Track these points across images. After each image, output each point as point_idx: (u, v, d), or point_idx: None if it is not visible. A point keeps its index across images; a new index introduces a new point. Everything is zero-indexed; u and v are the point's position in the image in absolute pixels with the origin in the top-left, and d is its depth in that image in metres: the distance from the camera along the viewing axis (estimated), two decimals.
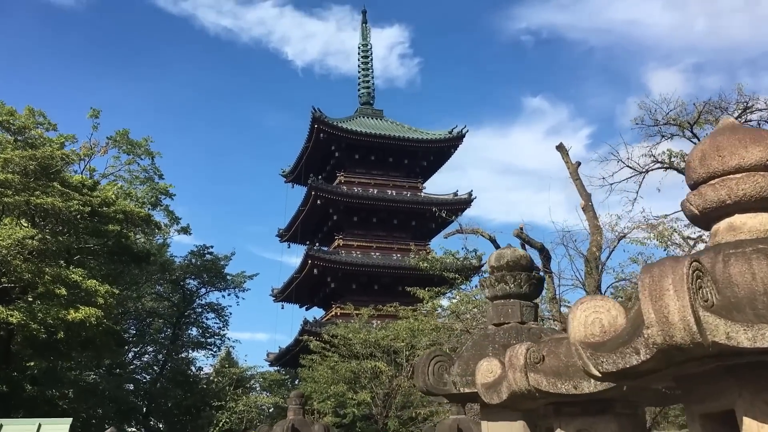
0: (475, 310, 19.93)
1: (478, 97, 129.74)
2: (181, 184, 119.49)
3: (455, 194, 42.71)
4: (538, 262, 18.52)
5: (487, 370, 3.60)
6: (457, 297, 19.87)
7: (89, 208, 16.22)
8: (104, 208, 17.04)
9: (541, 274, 17.26)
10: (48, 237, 15.82)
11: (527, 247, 17.54)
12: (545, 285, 18.96)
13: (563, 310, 19.43)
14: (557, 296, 17.01)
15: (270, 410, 29.07)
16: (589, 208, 17.21)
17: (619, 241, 16.84)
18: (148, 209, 27.86)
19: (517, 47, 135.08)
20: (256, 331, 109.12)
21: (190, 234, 32.67)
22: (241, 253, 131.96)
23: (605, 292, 16.73)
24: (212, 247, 34.16)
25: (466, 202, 40.75)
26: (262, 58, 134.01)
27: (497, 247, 20.93)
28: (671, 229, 18.49)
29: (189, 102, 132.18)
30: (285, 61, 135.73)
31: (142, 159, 29.60)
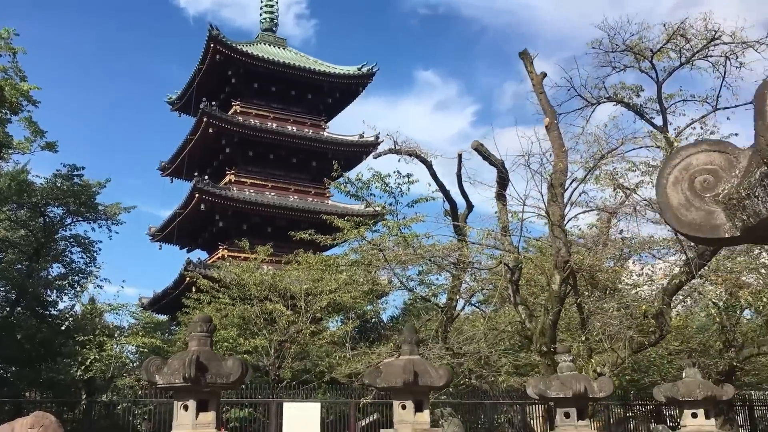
0: (398, 247, 17.03)
1: (372, 65, 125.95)
2: (54, 124, 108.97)
3: (361, 136, 39.71)
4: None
5: None
6: (387, 226, 16.93)
7: None
8: None
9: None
10: None
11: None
12: (497, 213, 16.47)
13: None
14: (521, 222, 14.42)
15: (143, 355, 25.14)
16: (553, 127, 14.70)
17: (588, 173, 14.44)
18: (5, 115, 22.91)
19: (413, 19, 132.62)
20: (127, 284, 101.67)
21: (56, 151, 27.53)
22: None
23: (568, 222, 14.42)
24: (83, 168, 29.08)
25: (373, 144, 37.77)
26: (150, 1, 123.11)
27: (433, 173, 18.13)
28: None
29: (66, 41, 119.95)
30: (176, 8, 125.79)
31: (0, 56, 24.27)
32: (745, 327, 19.16)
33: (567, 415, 10.64)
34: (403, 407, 9.59)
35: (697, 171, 2.04)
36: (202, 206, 34.90)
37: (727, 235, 1.97)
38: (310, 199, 39.36)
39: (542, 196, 13.90)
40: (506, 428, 18.98)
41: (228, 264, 28.06)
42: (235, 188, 37.61)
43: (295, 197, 39.02)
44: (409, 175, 16.93)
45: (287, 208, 36.75)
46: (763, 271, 17.95)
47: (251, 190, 38.06)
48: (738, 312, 18.12)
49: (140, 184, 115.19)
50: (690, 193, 2.03)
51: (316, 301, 23.57)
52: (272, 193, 38.55)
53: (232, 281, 24.22)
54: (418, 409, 9.59)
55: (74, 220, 30.85)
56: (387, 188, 16.96)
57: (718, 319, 17.88)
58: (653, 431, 16.75)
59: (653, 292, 16.18)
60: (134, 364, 23.20)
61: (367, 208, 32.81)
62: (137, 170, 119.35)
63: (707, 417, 11.75)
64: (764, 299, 13.98)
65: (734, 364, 17.08)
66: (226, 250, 35.93)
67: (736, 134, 18.41)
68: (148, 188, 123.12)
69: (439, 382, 9.61)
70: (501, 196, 14.90)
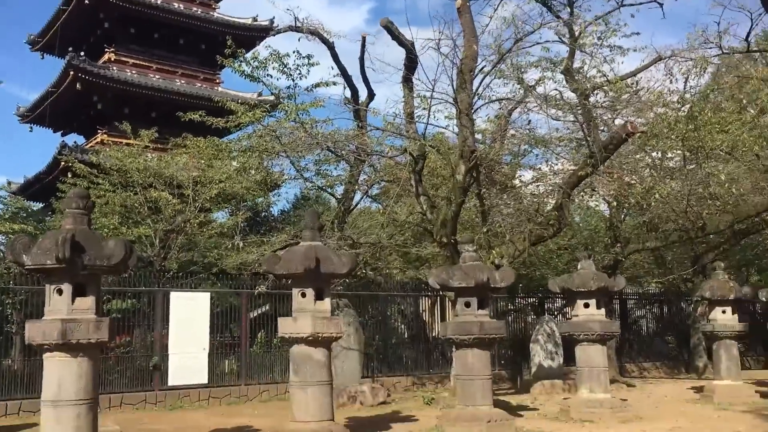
0: (296, 133, 16.04)
1: None
2: None
3: (254, 19, 37.32)
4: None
5: None
6: (284, 110, 15.88)
7: None
8: None
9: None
10: None
11: None
12: (403, 98, 15.76)
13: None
14: (428, 109, 13.78)
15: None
16: (466, 10, 13.93)
17: (498, 62, 13.88)
18: None
19: None
20: None
21: None
22: None
23: (479, 110, 13.99)
24: None
25: (266, 29, 35.55)
26: None
27: (335, 56, 17.09)
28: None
29: None
30: None
31: None
32: (629, 224, 19.91)
33: (468, 305, 10.53)
34: (303, 295, 9.10)
35: None
36: (78, 86, 31.98)
37: None
38: (199, 85, 37.05)
39: (452, 82, 13.30)
40: (398, 319, 19.14)
41: (108, 149, 26.06)
42: (115, 68, 34.65)
43: (182, 81, 36.57)
44: (309, 57, 15.82)
45: (174, 93, 34.37)
46: (647, 171, 18.53)
47: (133, 71, 35.24)
48: (625, 209, 18.73)
49: (7, 60, 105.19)
50: None
51: (206, 191, 22.42)
52: (157, 76, 35.89)
53: (113, 167, 22.51)
54: (319, 297, 9.13)
55: None
56: (285, 69, 15.81)
57: (607, 215, 18.39)
58: (540, 322, 17.33)
59: (550, 188, 16.31)
60: (3, 254, 21.40)
61: (260, 97, 31.35)
62: (2, 45, 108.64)
63: (598, 307, 12.08)
64: (657, 195, 14.32)
65: (619, 258, 17.76)
66: (105, 135, 33.48)
67: (638, 33, 18.43)
68: (15, 65, 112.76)
69: (343, 269, 9.14)
70: (408, 80, 14.18)
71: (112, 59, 35.20)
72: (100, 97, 33.46)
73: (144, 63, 36.06)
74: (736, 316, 14.23)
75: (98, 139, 34.05)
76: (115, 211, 22.26)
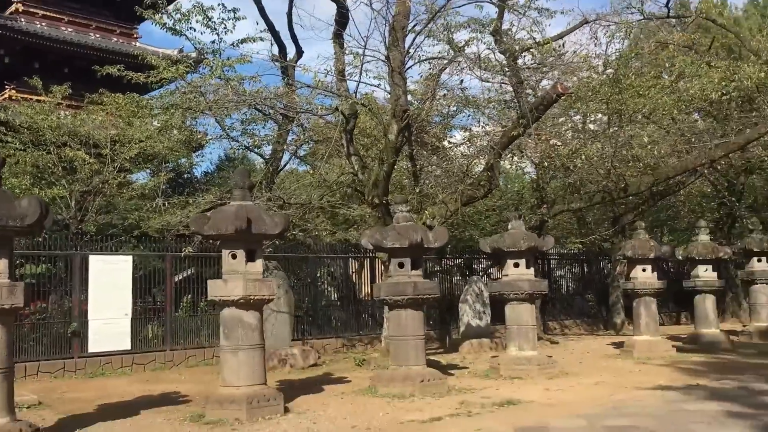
0: (227, 89, 15.40)
1: None
2: None
3: None
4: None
5: None
6: (210, 66, 15.20)
7: None
8: None
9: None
10: None
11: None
12: (334, 55, 15.34)
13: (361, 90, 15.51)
14: (360, 66, 13.41)
15: None
16: None
17: (430, 20, 13.61)
18: None
19: None
20: None
21: None
22: None
23: (408, 70, 13.74)
24: None
25: None
26: None
27: (261, 10, 16.46)
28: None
29: None
30: None
31: None
32: (554, 185, 20.25)
33: (401, 265, 10.47)
34: (234, 256, 8.78)
35: None
36: None
37: None
38: (115, 39, 35.21)
39: (384, 39, 13.01)
40: (327, 281, 18.99)
41: (17, 105, 24.52)
42: (23, 19, 32.46)
43: (97, 35, 34.64)
44: (235, 10, 15.14)
45: (88, 47, 32.50)
46: (570, 134, 18.86)
47: (43, 24, 33.12)
48: (551, 171, 19.04)
49: None
50: None
51: (125, 150, 21.46)
52: (69, 29, 33.86)
53: (23, 124, 21.22)
54: (250, 258, 8.84)
55: None
56: (210, 23, 15.10)
57: (531, 178, 18.61)
58: (469, 282, 17.52)
59: (480, 149, 16.36)
60: None
61: (182, 53, 30.06)
62: None
63: (527, 266, 12.24)
64: (582, 157, 14.56)
65: (545, 219, 18.07)
66: (14, 90, 31.46)
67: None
68: None
69: (275, 230, 8.86)
70: (339, 37, 13.80)
71: (20, 10, 32.98)
72: (8, 50, 31.38)
73: (55, 15, 33.94)
74: (655, 274, 14.75)
75: (6, 95, 32.01)
76: (26, 171, 21.03)
